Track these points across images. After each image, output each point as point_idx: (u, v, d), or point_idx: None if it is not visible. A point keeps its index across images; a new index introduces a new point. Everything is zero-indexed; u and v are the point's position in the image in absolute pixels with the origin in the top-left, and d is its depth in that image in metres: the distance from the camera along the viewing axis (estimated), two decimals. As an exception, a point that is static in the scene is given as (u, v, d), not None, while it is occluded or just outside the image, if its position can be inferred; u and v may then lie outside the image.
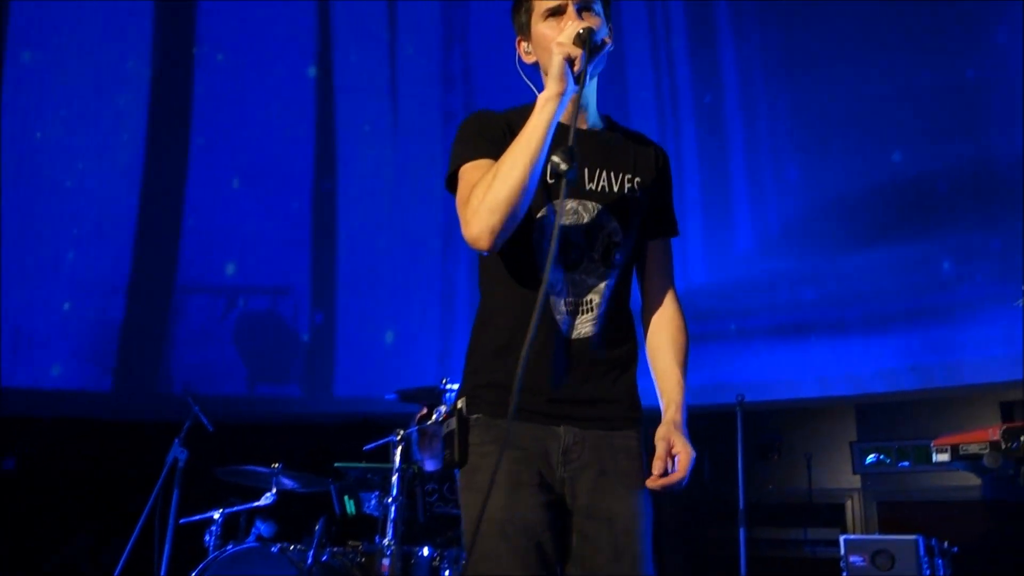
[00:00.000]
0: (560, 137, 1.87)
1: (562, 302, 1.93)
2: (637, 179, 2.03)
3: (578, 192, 1.96)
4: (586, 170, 1.98)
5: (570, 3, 1.98)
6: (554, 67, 1.83)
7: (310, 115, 7.53)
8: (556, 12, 2.00)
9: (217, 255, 7.07)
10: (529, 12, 2.05)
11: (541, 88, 1.90)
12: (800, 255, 6.62)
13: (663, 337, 2.03)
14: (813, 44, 6.74)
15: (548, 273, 1.64)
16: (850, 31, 6.58)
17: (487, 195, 1.79)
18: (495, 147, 1.89)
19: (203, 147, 7.23)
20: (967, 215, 6.10)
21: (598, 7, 2.01)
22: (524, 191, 1.79)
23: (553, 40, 1.88)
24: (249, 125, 7.27)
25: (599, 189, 1.99)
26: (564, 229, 1.93)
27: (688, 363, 2.00)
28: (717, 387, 5.74)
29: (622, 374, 1.97)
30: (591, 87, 2.04)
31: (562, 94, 1.83)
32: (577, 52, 1.82)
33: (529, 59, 2.08)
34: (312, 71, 7.61)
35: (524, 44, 2.09)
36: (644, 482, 1.87)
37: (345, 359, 7.04)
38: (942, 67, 6.29)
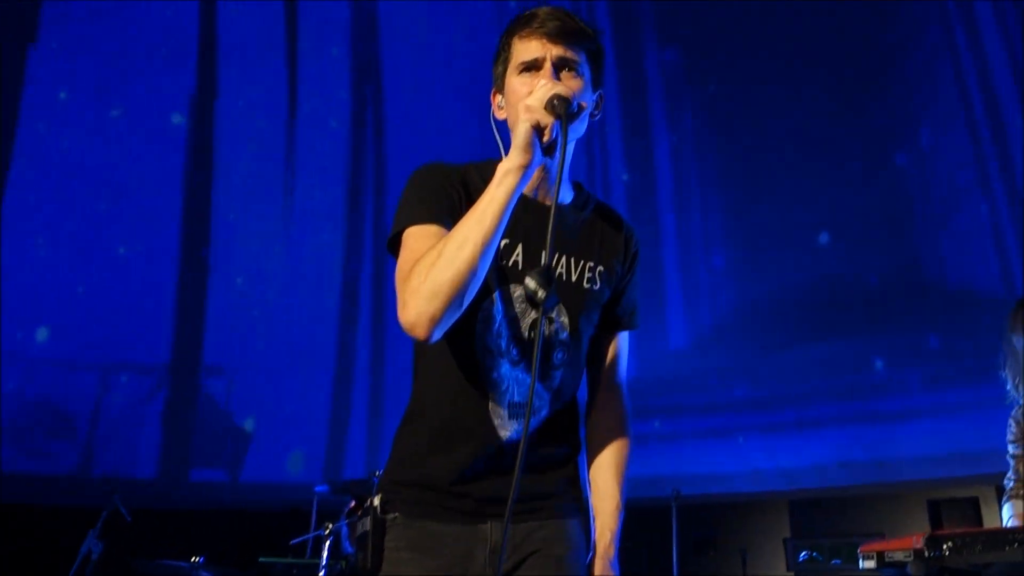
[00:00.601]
0: (523, 214, 1.70)
1: (506, 402, 1.73)
2: (600, 268, 1.83)
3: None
4: (542, 255, 1.73)
5: (548, 58, 1.74)
6: (519, 135, 1.62)
7: (178, 179, 7.15)
8: (531, 66, 1.77)
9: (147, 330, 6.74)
10: (506, 63, 1.82)
11: (510, 147, 1.66)
12: (734, 352, 6.67)
13: (607, 451, 1.85)
14: (745, 138, 6.94)
15: (534, 386, 1.54)
16: (782, 129, 6.81)
17: (429, 276, 1.57)
18: (446, 211, 1.68)
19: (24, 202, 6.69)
20: (896, 315, 6.27)
21: (584, 69, 1.77)
22: (472, 276, 1.57)
23: (522, 98, 1.68)
24: (108, 181, 6.86)
25: (555, 276, 1.78)
26: (510, 320, 1.72)
27: (625, 475, 1.84)
28: (652, 481, 5.68)
29: (560, 469, 1.80)
30: (566, 155, 1.73)
31: (526, 166, 1.60)
32: (548, 120, 1.62)
33: (500, 114, 1.84)
34: (178, 118, 7.24)
35: (498, 97, 1.86)
36: (581, 567, 1.75)
37: (271, 445, 6.72)
38: (871, 164, 6.55)
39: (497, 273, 1.72)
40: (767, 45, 6.92)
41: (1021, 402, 3.16)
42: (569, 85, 1.70)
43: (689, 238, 7.11)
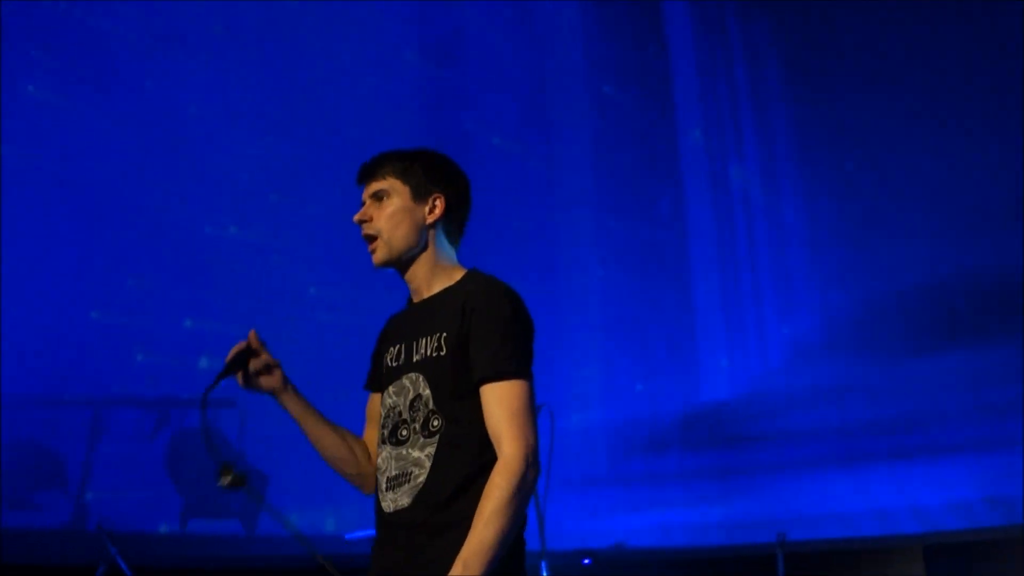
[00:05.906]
0: (404, 320, 2.31)
1: (384, 480, 2.15)
2: (443, 335, 2.15)
3: (408, 367, 2.18)
4: (413, 343, 2.20)
5: (365, 199, 2.26)
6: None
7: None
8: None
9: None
10: None
11: None
12: (847, 364, 6.52)
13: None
14: (857, 120, 6.75)
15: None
16: (899, 105, 6.64)
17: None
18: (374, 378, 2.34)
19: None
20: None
21: (396, 188, 2.20)
22: (331, 461, 2.27)
23: None
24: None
25: (418, 360, 2.17)
26: (394, 407, 2.18)
27: (491, 516, 1.93)
28: (752, 524, 5.57)
29: (445, 534, 2.02)
30: (423, 259, 2.24)
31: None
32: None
33: None
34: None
35: None
36: None
37: (293, 487, 6.33)
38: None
39: (386, 376, 2.24)
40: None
41: None
42: (374, 215, 2.21)
43: (783, 229, 6.94)
